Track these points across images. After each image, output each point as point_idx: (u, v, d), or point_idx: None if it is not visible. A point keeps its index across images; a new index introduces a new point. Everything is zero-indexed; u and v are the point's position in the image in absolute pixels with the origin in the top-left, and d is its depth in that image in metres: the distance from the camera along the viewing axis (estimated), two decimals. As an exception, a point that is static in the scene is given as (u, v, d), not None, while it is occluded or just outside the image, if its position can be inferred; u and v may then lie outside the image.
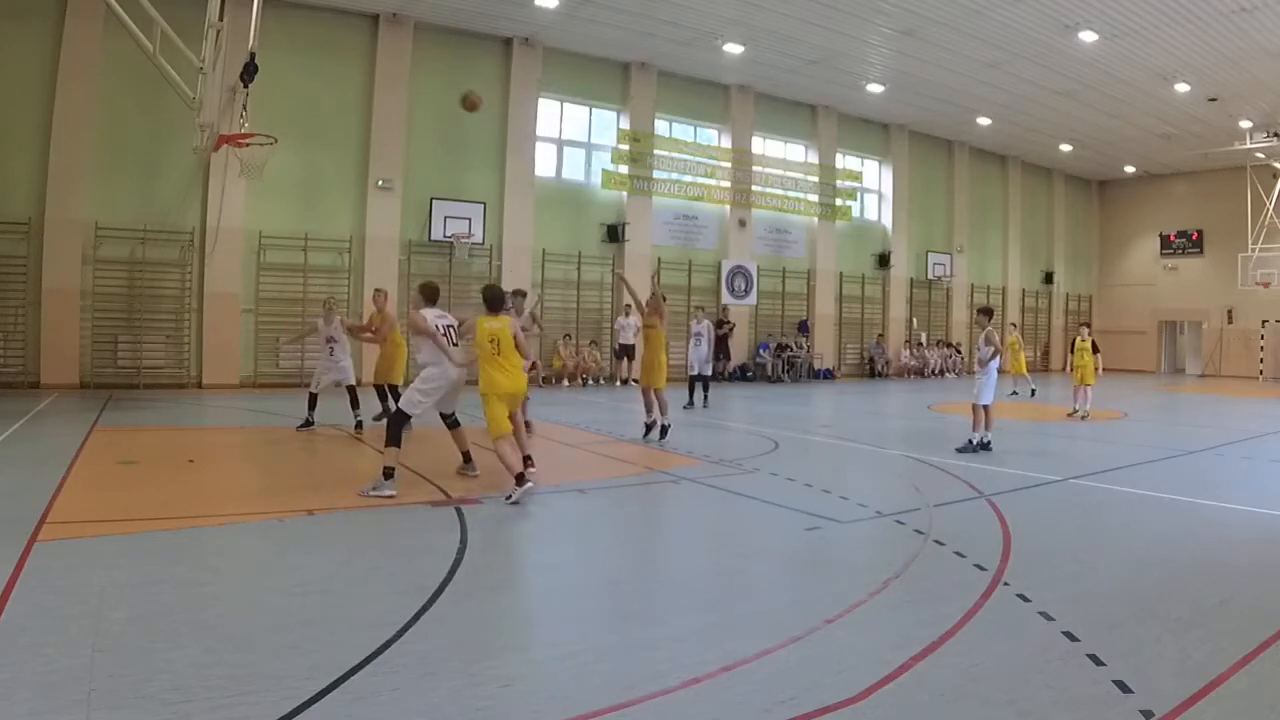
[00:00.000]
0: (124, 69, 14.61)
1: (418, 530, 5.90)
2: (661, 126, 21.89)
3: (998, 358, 10.31)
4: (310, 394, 10.70)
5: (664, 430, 10.31)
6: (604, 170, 20.89)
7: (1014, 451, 10.07)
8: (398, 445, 6.98)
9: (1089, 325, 15.61)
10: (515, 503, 6.60)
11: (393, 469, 6.87)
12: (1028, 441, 11.51)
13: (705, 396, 14.67)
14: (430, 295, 7.88)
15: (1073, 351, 14.98)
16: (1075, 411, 14.08)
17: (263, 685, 3.22)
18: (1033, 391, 18.91)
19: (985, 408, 10.05)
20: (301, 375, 16.57)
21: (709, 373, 14.80)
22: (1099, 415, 14.28)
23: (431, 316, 7.49)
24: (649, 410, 10.49)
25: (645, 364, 10.76)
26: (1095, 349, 14.52)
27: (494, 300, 7.23)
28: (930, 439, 11.58)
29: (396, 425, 7.09)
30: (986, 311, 10.71)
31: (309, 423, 10.59)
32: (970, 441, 9.98)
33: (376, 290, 11.37)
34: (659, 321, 10.82)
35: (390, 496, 6.69)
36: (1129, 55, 18.90)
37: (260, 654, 3.53)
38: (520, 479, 6.74)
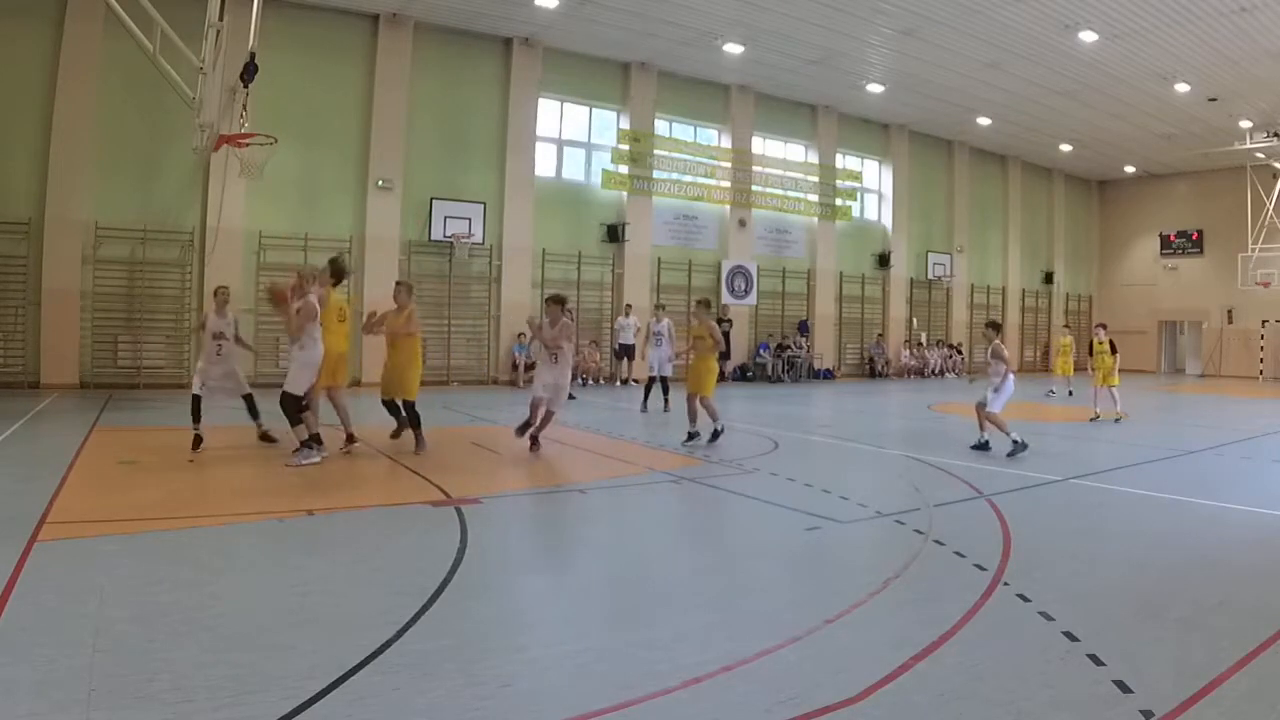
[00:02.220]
0: (124, 69, 14.62)
1: (418, 530, 5.89)
2: (661, 126, 21.90)
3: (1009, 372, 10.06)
4: (194, 397, 8.85)
5: (715, 435, 10.14)
6: (604, 170, 20.89)
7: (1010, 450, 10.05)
8: (302, 421, 8.07)
9: (1105, 326, 15.19)
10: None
11: (315, 437, 8.11)
12: (1028, 441, 11.47)
13: (666, 400, 14.07)
14: (339, 275, 8.72)
15: (1091, 354, 14.67)
16: (1102, 414, 13.75)
17: (263, 685, 3.21)
18: (1070, 392, 18.72)
19: (990, 413, 9.86)
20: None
21: (669, 373, 14.45)
22: (1075, 416, 14.26)
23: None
24: (693, 420, 10.30)
25: (697, 373, 10.35)
26: (1113, 349, 14.30)
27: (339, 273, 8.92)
28: (930, 439, 11.58)
29: (294, 407, 8.03)
30: (994, 326, 10.53)
31: (196, 437, 8.78)
32: (984, 442, 9.93)
33: (399, 284, 9.48)
34: (706, 333, 10.51)
35: (316, 463, 7.92)
36: (1129, 55, 18.91)
37: (260, 654, 3.53)
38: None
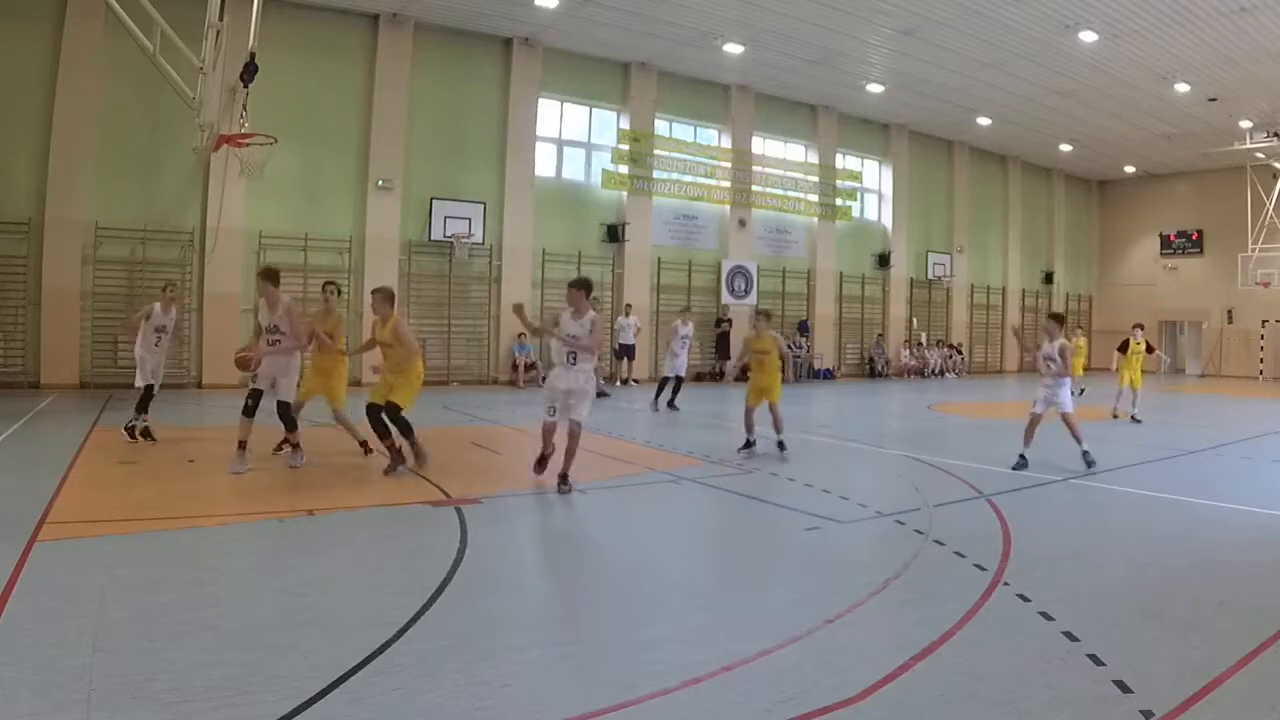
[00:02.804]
0: (124, 69, 14.60)
1: (418, 530, 5.90)
2: (661, 126, 21.88)
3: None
4: (146, 388, 9.35)
5: (781, 445, 9.54)
6: (604, 170, 20.88)
7: (1015, 451, 10.03)
8: (295, 427, 8.19)
9: (1142, 326, 14.99)
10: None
11: (296, 443, 8.18)
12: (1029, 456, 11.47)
13: (674, 397, 14.61)
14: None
15: (1123, 352, 14.45)
16: (1120, 413, 13.72)
17: (263, 685, 3.22)
18: (1081, 391, 18.67)
19: (1069, 415, 9.24)
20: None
21: (684, 374, 14.85)
22: (1095, 415, 14.25)
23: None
24: (750, 429, 9.76)
25: (763, 386, 9.80)
26: (1150, 349, 14.34)
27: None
28: (930, 439, 11.58)
29: (288, 412, 8.17)
30: (1059, 319, 9.56)
31: (145, 429, 9.26)
32: (1086, 453, 9.14)
33: (375, 292, 8.52)
34: (773, 346, 9.92)
35: (302, 465, 7.98)
36: (1129, 55, 18.90)
37: (260, 654, 3.53)
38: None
